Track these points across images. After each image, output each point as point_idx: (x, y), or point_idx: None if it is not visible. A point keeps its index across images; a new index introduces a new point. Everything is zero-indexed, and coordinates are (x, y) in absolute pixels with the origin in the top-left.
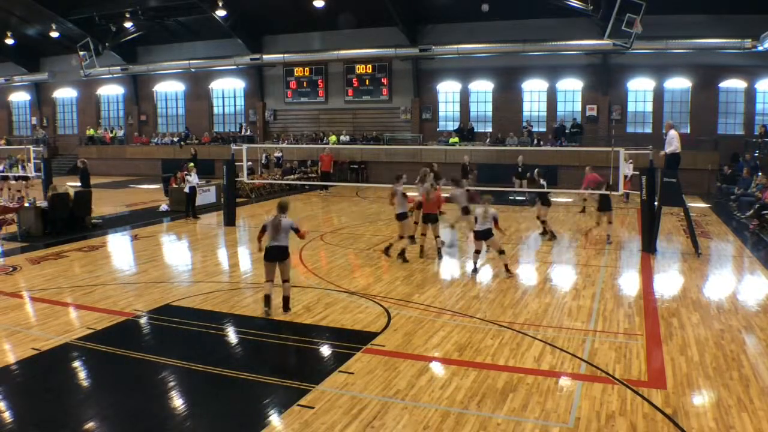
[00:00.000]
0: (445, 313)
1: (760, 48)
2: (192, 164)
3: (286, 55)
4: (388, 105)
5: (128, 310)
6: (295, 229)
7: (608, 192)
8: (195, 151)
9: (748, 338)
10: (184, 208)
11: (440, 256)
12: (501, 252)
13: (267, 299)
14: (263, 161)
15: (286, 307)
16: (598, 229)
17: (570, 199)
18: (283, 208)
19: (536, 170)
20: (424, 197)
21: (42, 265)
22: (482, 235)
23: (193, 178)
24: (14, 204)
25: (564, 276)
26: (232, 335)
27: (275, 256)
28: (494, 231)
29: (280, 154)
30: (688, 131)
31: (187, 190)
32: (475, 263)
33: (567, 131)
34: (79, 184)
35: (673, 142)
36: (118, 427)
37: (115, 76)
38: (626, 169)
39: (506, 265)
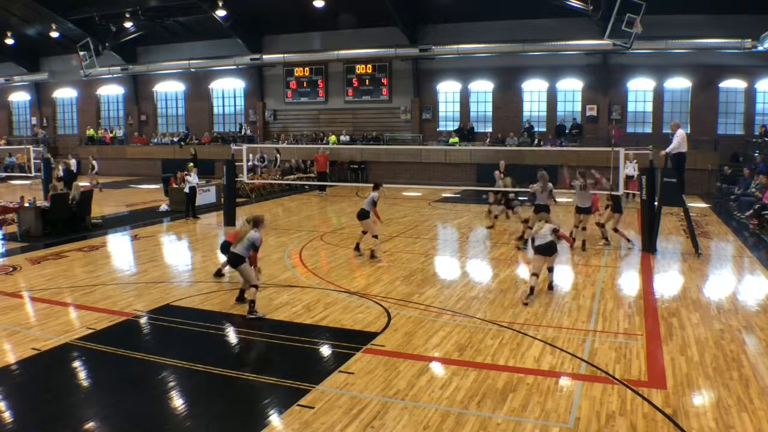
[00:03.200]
0: (445, 313)
1: (760, 48)
2: (192, 164)
3: (286, 55)
4: (388, 105)
5: (128, 310)
6: (254, 246)
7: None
8: (195, 151)
9: (748, 338)
10: (184, 208)
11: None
12: (550, 270)
13: (240, 292)
14: (260, 162)
15: (249, 310)
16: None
17: (570, 199)
18: (252, 222)
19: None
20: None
21: (42, 265)
22: (544, 251)
23: (193, 178)
24: (15, 204)
25: (564, 276)
26: (232, 335)
27: (230, 261)
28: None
29: (266, 155)
30: (689, 131)
31: (187, 190)
32: (532, 287)
33: (567, 131)
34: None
35: (675, 142)
36: (118, 427)
37: (115, 76)
38: (630, 169)
39: (551, 283)
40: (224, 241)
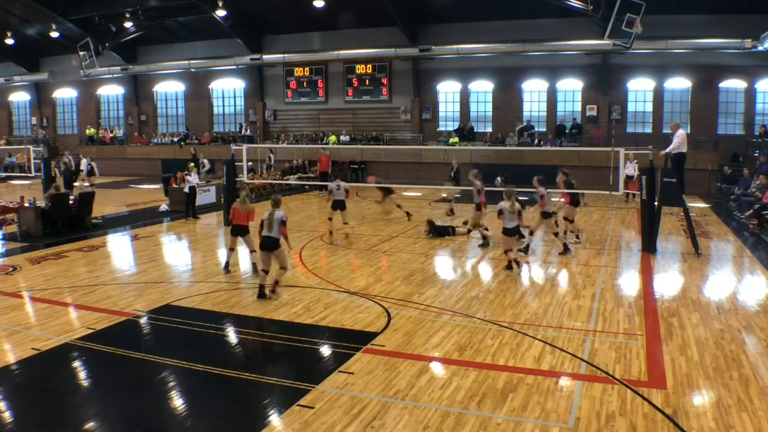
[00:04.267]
0: (445, 313)
1: (760, 48)
2: (192, 164)
3: (286, 55)
4: (388, 105)
5: (128, 310)
6: (283, 221)
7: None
8: (195, 150)
9: (748, 338)
10: (184, 208)
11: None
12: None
13: (260, 288)
14: (268, 162)
15: (271, 290)
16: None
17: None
18: (276, 203)
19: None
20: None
21: (42, 265)
22: (512, 233)
23: (193, 178)
24: (15, 204)
25: (564, 276)
26: (232, 335)
27: (266, 246)
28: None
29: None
30: (689, 131)
31: (186, 190)
32: (509, 261)
33: (567, 131)
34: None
35: (675, 142)
36: (118, 427)
37: (115, 76)
38: (630, 169)
39: (515, 260)
40: (234, 225)
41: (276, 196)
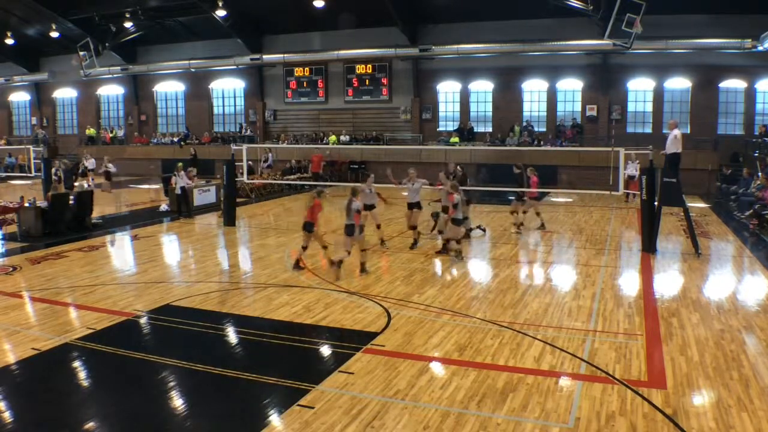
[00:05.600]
0: (445, 313)
1: (760, 48)
2: (180, 164)
3: (286, 55)
4: (388, 105)
5: (128, 310)
6: (357, 210)
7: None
8: (195, 150)
9: (748, 338)
10: (177, 209)
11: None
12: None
13: (339, 263)
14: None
15: (361, 269)
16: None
17: (570, 199)
18: (354, 192)
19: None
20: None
21: (42, 265)
22: (461, 222)
23: (182, 180)
24: (15, 204)
25: (564, 276)
26: (232, 335)
27: (346, 232)
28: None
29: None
30: (688, 131)
31: (178, 191)
32: (459, 250)
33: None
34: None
35: (675, 143)
36: (118, 427)
37: (115, 76)
38: (632, 169)
39: (458, 250)
40: (305, 222)
41: (355, 186)
